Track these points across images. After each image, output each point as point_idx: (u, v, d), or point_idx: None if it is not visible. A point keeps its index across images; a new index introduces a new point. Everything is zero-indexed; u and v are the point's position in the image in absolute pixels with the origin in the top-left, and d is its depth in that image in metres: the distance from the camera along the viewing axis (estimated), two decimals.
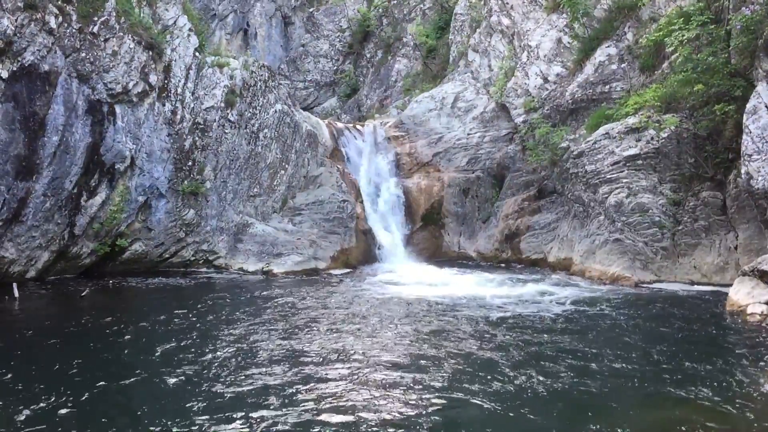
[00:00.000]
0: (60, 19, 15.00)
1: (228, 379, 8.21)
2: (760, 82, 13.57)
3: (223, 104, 18.93)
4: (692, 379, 8.19)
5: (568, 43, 21.45)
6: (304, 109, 27.48)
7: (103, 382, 8.02)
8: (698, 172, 16.19)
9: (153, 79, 17.27)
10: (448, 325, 11.39)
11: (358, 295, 14.99)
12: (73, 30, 15.35)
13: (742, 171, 13.65)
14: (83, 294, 14.49)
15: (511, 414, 7.00)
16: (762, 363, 8.99)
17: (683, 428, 6.68)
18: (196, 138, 18.40)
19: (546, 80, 21.58)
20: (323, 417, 6.88)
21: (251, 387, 7.87)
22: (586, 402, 7.45)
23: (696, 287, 15.27)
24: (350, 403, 7.30)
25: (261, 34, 32.55)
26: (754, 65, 14.08)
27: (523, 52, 22.45)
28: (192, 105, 18.40)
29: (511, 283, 16.62)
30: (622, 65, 19.61)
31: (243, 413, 6.99)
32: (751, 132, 13.33)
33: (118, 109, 16.44)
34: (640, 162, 16.78)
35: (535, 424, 6.77)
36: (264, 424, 6.67)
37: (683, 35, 15.14)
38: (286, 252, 19.06)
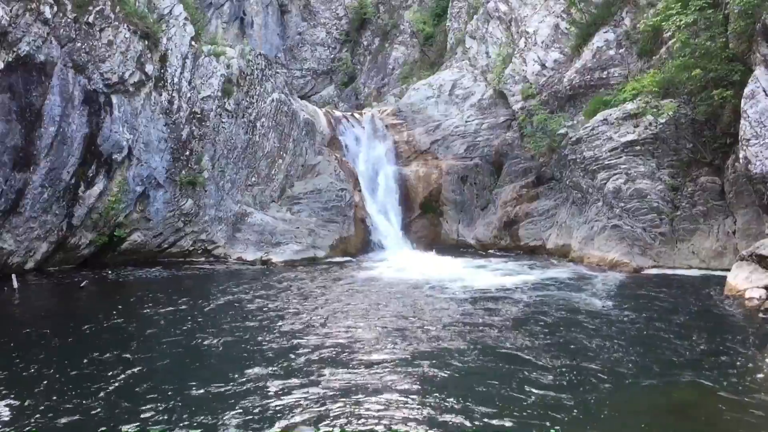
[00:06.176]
0: (55, 8, 14.89)
1: (227, 368, 8.24)
2: (758, 66, 13.52)
3: (220, 93, 18.86)
4: (692, 363, 8.24)
5: (566, 28, 21.35)
6: (302, 97, 27.36)
7: (101, 371, 8.05)
8: (696, 158, 16.18)
9: (149, 68, 17.20)
10: (447, 311, 11.42)
11: (357, 283, 15.00)
12: (69, 20, 15.25)
13: (740, 156, 13.64)
14: (82, 284, 14.49)
15: (513, 394, 7.05)
16: (760, 346, 9.04)
17: (684, 410, 6.73)
18: (194, 128, 18.34)
19: (544, 66, 21.50)
20: (325, 404, 6.93)
21: (248, 377, 7.91)
22: (588, 387, 7.49)
23: (694, 272, 15.30)
24: (350, 395, 7.34)
25: (257, 23, 32.33)
26: (752, 50, 14.02)
27: (520, 38, 22.35)
28: (189, 94, 18.33)
29: (509, 269, 16.64)
30: (620, 51, 19.54)
31: (239, 403, 7.04)
32: (749, 117, 13.31)
33: (114, 99, 16.38)
34: (638, 148, 16.76)
35: (536, 406, 6.80)
36: (262, 414, 6.71)
37: (681, 20, 15.08)
38: (284, 241, 19.06)
